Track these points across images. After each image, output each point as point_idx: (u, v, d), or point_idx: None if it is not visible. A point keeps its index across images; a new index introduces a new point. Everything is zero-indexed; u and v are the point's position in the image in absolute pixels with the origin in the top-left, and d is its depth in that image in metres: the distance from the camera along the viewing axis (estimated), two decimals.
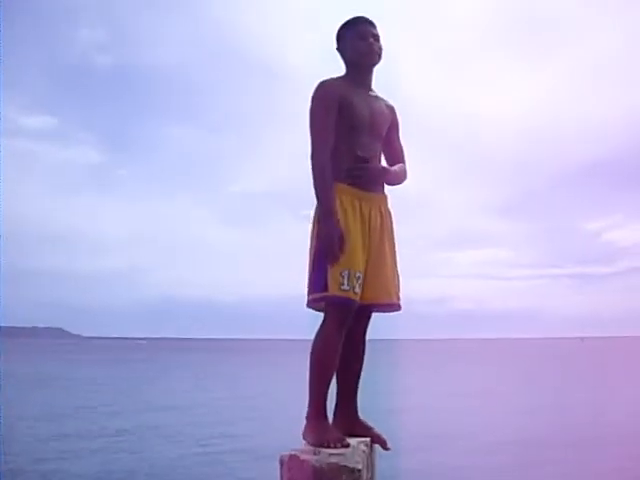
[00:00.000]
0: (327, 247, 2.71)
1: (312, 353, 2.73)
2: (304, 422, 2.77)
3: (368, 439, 2.79)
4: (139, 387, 27.97)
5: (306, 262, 2.85)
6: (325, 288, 2.69)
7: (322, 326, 2.75)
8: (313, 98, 2.90)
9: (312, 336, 2.77)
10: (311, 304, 2.79)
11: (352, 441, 2.67)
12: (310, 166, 2.82)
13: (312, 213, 2.90)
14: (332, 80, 2.97)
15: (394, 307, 2.95)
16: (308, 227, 2.91)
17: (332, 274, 2.69)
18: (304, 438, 2.70)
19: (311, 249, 2.81)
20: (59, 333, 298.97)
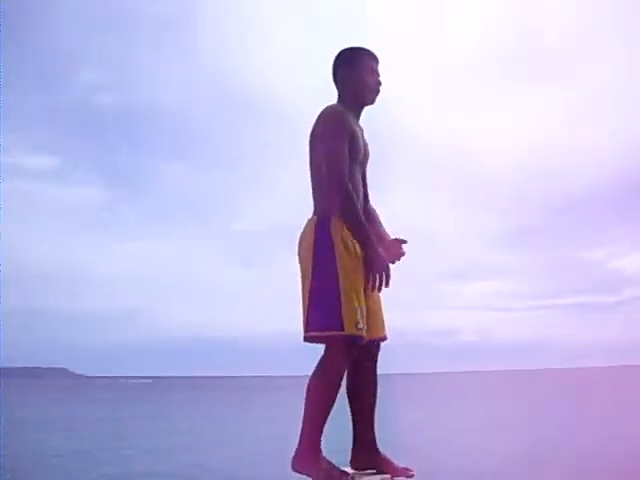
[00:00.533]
0: (381, 274, 2.66)
1: (314, 386, 2.70)
2: (293, 454, 2.72)
3: (389, 476, 2.74)
4: (141, 427, 27.63)
5: (307, 296, 2.78)
6: (340, 327, 2.64)
7: (326, 360, 2.71)
8: (329, 122, 2.83)
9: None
10: (316, 340, 2.73)
11: (376, 478, 2.63)
12: (338, 192, 2.74)
13: (301, 246, 2.86)
14: (342, 108, 2.92)
15: (384, 339, 2.98)
16: (297, 259, 2.88)
17: (349, 312, 2.65)
18: (297, 470, 2.71)
19: (317, 282, 2.74)
20: (62, 373, 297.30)
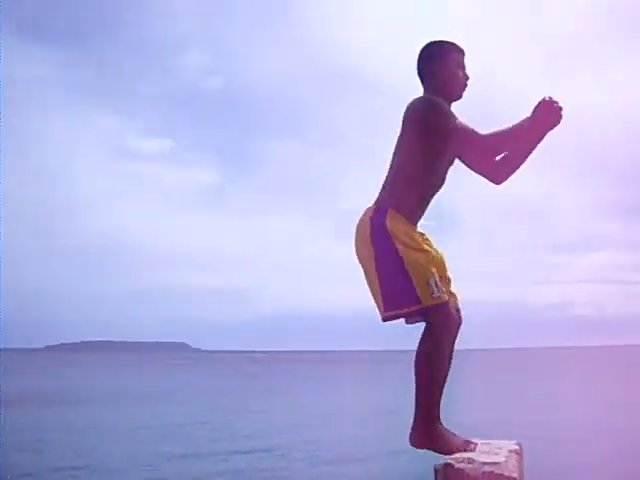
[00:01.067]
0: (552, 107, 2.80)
1: (423, 359, 2.69)
2: (410, 429, 2.72)
3: (517, 446, 2.74)
4: (255, 402, 28.12)
5: (376, 281, 2.81)
6: (417, 301, 2.68)
7: (430, 330, 2.71)
8: (440, 113, 2.81)
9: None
10: (396, 317, 2.77)
11: (503, 450, 2.63)
12: (493, 153, 2.93)
13: (358, 234, 2.89)
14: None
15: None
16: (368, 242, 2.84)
17: (420, 284, 2.69)
18: (417, 446, 2.71)
19: (382, 265, 2.77)
20: (181, 347, 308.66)
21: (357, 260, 2.90)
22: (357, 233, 2.89)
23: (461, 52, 2.99)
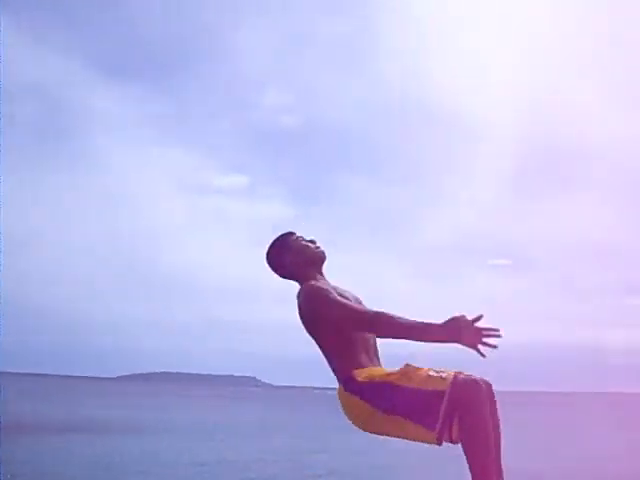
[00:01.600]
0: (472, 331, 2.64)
1: (469, 439, 2.63)
2: None
3: None
4: (314, 443, 27.32)
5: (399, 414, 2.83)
6: (441, 393, 2.67)
7: (465, 409, 2.66)
8: (315, 296, 2.96)
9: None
10: (444, 427, 2.68)
11: None
12: (365, 323, 2.89)
13: (347, 412, 3.03)
14: (310, 279, 3.09)
15: None
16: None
17: (428, 384, 2.72)
18: None
19: (389, 402, 2.80)
20: (251, 381, 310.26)
21: (369, 433, 2.98)
22: (347, 414, 2.97)
23: (291, 233, 3.25)
